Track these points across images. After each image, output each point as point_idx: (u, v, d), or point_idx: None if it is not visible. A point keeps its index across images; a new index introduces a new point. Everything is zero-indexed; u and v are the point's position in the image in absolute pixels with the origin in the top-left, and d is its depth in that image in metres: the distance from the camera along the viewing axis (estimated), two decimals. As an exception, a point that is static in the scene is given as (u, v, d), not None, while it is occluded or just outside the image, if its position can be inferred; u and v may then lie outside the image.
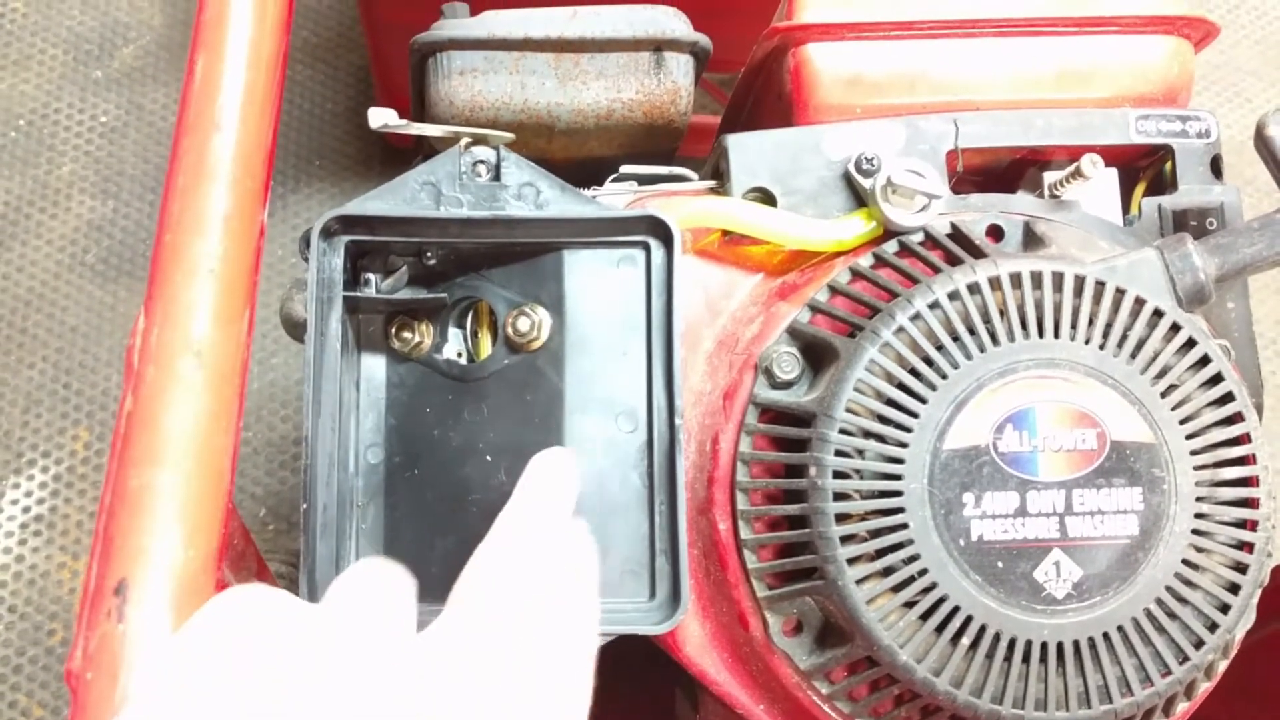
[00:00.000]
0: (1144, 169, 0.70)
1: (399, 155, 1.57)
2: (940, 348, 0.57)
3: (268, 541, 1.39)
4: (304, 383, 0.57)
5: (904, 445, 0.56)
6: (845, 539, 0.56)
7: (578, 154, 0.77)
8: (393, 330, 0.63)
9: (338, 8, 1.69)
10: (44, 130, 1.59)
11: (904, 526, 0.55)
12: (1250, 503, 0.57)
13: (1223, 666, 0.60)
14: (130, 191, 1.57)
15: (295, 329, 0.75)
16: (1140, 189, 0.69)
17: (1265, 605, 0.59)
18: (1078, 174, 0.63)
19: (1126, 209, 0.69)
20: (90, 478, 1.43)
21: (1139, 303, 0.57)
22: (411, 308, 0.63)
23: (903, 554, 0.55)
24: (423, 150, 0.91)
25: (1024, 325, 0.57)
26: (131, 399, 0.47)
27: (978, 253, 0.60)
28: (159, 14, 1.68)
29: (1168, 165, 0.69)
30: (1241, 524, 0.57)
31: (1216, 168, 0.67)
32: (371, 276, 0.62)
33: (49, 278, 1.52)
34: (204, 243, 0.50)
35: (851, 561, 0.56)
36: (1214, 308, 0.66)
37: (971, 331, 0.57)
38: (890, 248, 0.62)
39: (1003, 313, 0.57)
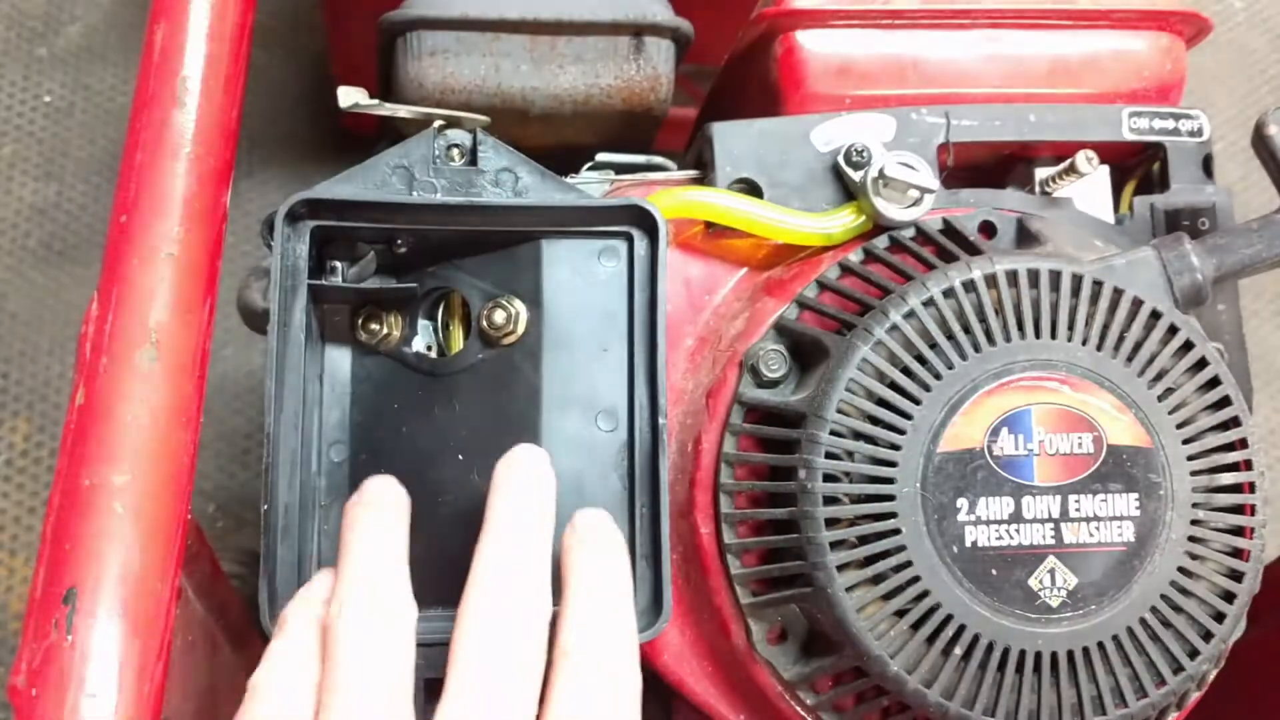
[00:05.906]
0: (1133, 167, 0.69)
1: (356, 141, 1.53)
2: (934, 347, 0.55)
3: (217, 539, 1.35)
4: (266, 377, 0.54)
5: (896, 448, 0.54)
6: (835, 544, 0.53)
7: (553, 141, 0.75)
8: (359, 321, 0.60)
9: (293, -11, 1.65)
10: (-16, 109, 1.53)
11: (896, 532, 0.53)
12: (1246, 509, 0.56)
13: (1213, 675, 0.59)
14: (75, 174, 1.52)
15: (254, 319, 0.71)
16: (1130, 187, 0.68)
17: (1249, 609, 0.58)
18: (1072, 170, 0.62)
19: (1115, 207, 0.68)
20: (30, 471, 1.38)
21: (1137, 303, 0.56)
22: (380, 298, 0.60)
23: (894, 560, 0.53)
24: (387, 135, 0.87)
25: (1020, 325, 0.55)
26: (83, 392, 0.43)
27: (972, 249, 0.58)
28: (107, -9, 1.62)
29: (1156, 164, 0.67)
30: (1237, 530, 0.55)
31: (1208, 167, 0.66)
32: (337, 264, 0.59)
33: (-12, 262, 1.46)
34: (163, 225, 0.46)
35: (841, 568, 0.53)
36: (1205, 310, 0.64)
37: (966, 331, 0.55)
38: (881, 243, 0.60)
39: (998, 312, 0.55)
